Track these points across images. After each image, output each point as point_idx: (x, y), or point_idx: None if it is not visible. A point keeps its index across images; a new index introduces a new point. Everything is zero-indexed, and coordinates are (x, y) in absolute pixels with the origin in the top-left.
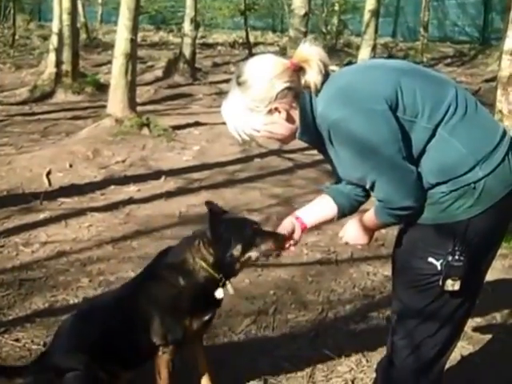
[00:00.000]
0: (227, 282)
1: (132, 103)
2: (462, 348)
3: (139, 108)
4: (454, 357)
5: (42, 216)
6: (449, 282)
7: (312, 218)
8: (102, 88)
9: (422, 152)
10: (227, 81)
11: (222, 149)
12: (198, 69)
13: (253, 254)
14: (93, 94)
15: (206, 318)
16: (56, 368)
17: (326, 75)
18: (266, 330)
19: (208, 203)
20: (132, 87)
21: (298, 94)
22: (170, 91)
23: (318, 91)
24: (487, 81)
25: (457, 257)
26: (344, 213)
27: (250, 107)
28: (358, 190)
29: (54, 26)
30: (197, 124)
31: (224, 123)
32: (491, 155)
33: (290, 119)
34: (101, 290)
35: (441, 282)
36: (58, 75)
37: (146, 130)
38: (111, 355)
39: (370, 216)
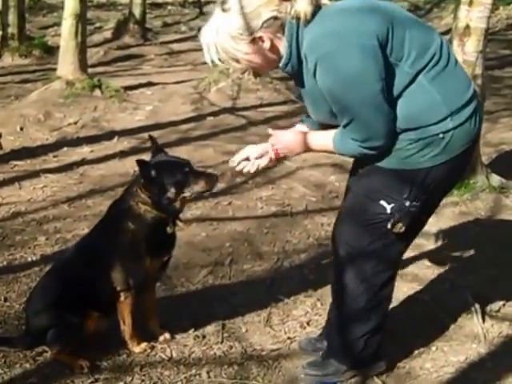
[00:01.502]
0: (177, 220)
1: (83, 65)
2: (412, 288)
3: (90, 70)
4: (405, 295)
5: None
6: (398, 225)
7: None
8: (50, 51)
9: (399, 96)
10: (178, 41)
11: (174, 108)
12: (148, 29)
13: (187, 194)
14: (41, 56)
15: (164, 258)
16: (35, 333)
17: (318, 7)
18: (222, 279)
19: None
20: (82, 49)
21: (284, 23)
22: (120, 52)
23: (307, 22)
24: (442, 34)
25: (412, 203)
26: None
27: (232, 35)
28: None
29: None
30: (149, 84)
31: (176, 82)
32: (463, 109)
33: (273, 49)
34: (58, 248)
35: (389, 225)
36: (4, 38)
37: (97, 92)
38: (80, 302)
39: (321, 139)
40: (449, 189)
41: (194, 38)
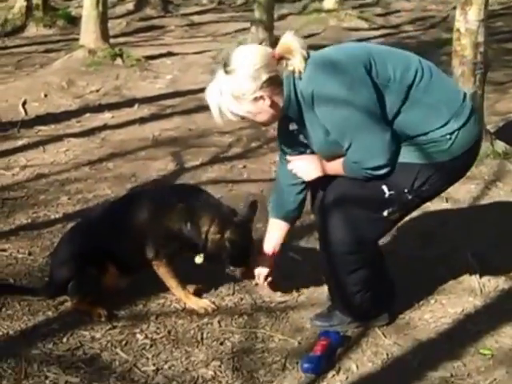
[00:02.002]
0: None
1: (104, 34)
2: (416, 247)
3: (112, 41)
4: (408, 252)
5: (20, 143)
6: (395, 214)
7: (275, 243)
8: (74, 21)
9: (398, 113)
10: (199, 13)
11: (193, 77)
12: (169, 1)
13: (227, 266)
14: (64, 27)
15: None
16: (58, 283)
17: (308, 58)
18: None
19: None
20: (104, 18)
21: (281, 81)
22: (142, 24)
23: (301, 73)
24: (455, 8)
25: (412, 195)
26: (294, 218)
27: (235, 95)
28: (300, 183)
29: None
30: (169, 54)
31: (195, 53)
32: (461, 109)
33: (273, 106)
34: (79, 207)
35: (386, 214)
36: (29, 9)
37: (119, 61)
38: (102, 258)
39: (334, 164)
40: (446, 187)
41: (215, 10)
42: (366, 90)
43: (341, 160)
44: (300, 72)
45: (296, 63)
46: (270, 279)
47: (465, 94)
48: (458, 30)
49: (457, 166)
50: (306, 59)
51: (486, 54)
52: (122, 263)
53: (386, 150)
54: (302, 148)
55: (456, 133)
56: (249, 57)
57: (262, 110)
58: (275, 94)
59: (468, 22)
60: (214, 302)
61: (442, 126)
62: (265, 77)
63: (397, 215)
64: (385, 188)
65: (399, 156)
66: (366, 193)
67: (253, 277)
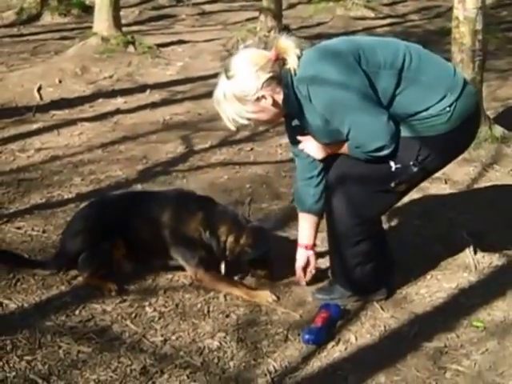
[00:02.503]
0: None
1: (117, 22)
2: (415, 225)
3: (125, 29)
4: (407, 230)
5: (35, 126)
6: (402, 185)
7: (311, 235)
8: (88, 10)
9: (394, 96)
10: (210, 2)
11: (203, 64)
12: None
13: (248, 269)
14: (79, 15)
15: None
16: (68, 255)
17: (301, 55)
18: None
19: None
20: (116, 6)
21: (280, 80)
22: (154, 13)
23: (296, 70)
24: None
25: (417, 167)
26: (318, 210)
27: (238, 97)
28: (317, 176)
29: None
30: (180, 42)
31: (205, 41)
32: (454, 82)
33: (275, 104)
34: (92, 187)
35: (393, 184)
36: None
37: (131, 48)
38: (114, 233)
39: (342, 148)
40: (449, 160)
41: None
42: (358, 77)
43: (346, 145)
44: (295, 70)
45: (292, 62)
46: (310, 271)
47: (455, 68)
48: (457, 18)
49: (458, 137)
50: (299, 58)
51: (484, 41)
52: (133, 248)
53: (385, 131)
54: None
55: (454, 104)
56: (247, 60)
57: (266, 109)
58: (276, 92)
59: (466, 10)
60: (274, 293)
61: (440, 101)
62: (264, 77)
63: (403, 187)
64: (391, 162)
65: (402, 132)
66: (373, 167)
67: (272, 278)
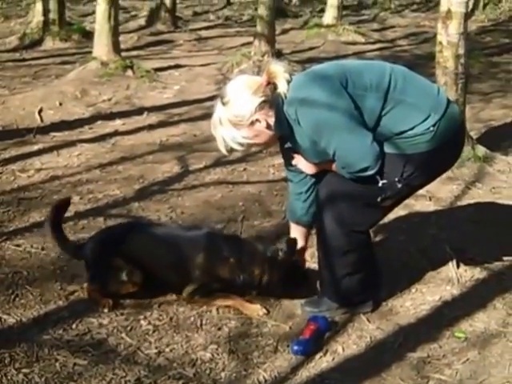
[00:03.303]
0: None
1: (116, 47)
2: (400, 240)
3: (124, 54)
4: (393, 246)
5: (35, 147)
6: (387, 201)
7: (301, 241)
8: (89, 35)
9: (380, 117)
10: (206, 28)
11: (199, 88)
12: (178, 17)
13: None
14: (80, 41)
15: None
16: (85, 258)
17: (291, 80)
18: (234, 233)
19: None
20: (115, 32)
21: (272, 103)
22: (152, 38)
23: (286, 94)
24: None
25: (401, 184)
26: (307, 223)
27: (234, 122)
28: (305, 192)
29: None
30: (177, 66)
31: (202, 65)
32: (438, 102)
33: (269, 127)
34: (90, 206)
35: (379, 199)
36: (46, 23)
37: (129, 72)
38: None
39: (328, 166)
40: (433, 176)
41: (221, 26)
42: (344, 100)
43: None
44: (285, 94)
45: (281, 87)
46: None
47: (439, 89)
48: (441, 43)
49: (442, 155)
50: (289, 82)
51: (466, 64)
52: (151, 279)
53: (370, 153)
54: None
55: (437, 124)
56: (240, 86)
57: (260, 132)
58: (269, 116)
59: (449, 36)
60: (265, 307)
61: (425, 120)
62: (257, 101)
63: (389, 202)
64: (378, 178)
65: (388, 149)
66: (361, 183)
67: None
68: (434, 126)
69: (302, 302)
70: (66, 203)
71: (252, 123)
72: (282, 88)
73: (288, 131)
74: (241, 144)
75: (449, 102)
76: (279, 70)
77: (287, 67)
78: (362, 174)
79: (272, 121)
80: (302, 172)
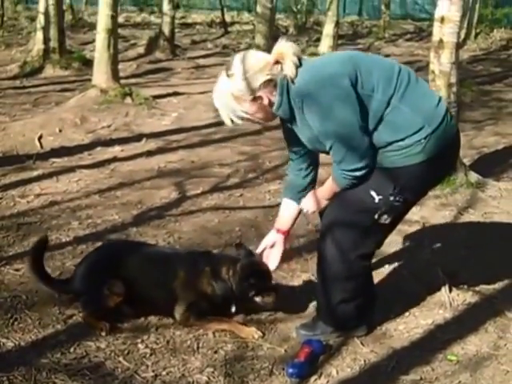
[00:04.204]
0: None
1: (115, 75)
2: (394, 265)
3: (123, 81)
4: (387, 270)
5: (35, 173)
6: (384, 216)
7: (286, 222)
8: (89, 63)
9: (380, 121)
10: (204, 56)
11: (197, 115)
12: (177, 46)
13: (258, 299)
14: (79, 69)
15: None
16: (74, 290)
17: (300, 63)
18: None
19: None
20: (115, 60)
21: (277, 82)
22: (151, 66)
23: (293, 78)
24: None
25: (395, 198)
26: (300, 198)
27: (236, 96)
28: (305, 169)
29: (41, 6)
30: (175, 94)
31: (200, 93)
32: (435, 113)
33: (271, 105)
34: (89, 231)
35: (376, 216)
36: (46, 52)
37: (128, 99)
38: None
39: (326, 187)
40: (427, 188)
41: (219, 54)
42: (350, 103)
43: (328, 180)
44: (292, 76)
45: (288, 68)
46: (275, 256)
47: (439, 99)
48: (433, 72)
49: (434, 167)
50: (297, 66)
51: (458, 93)
52: (134, 296)
53: (363, 155)
54: (302, 144)
55: (428, 137)
56: (247, 62)
57: (261, 109)
58: (273, 95)
59: (441, 65)
60: (260, 330)
61: (417, 131)
62: (262, 79)
63: (386, 218)
64: (373, 193)
65: (382, 163)
66: (358, 203)
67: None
68: (425, 138)
69: (296, 325)
70: (43, 243)
71: (254, 99)
72: (289, 71)
73: (288, 115)
74: (240, 117)
75: (446, 113)
76: (287, 51)
77: (296, 49)
78: (352, 174)
79: (274, 100)
80: (302, 149)
